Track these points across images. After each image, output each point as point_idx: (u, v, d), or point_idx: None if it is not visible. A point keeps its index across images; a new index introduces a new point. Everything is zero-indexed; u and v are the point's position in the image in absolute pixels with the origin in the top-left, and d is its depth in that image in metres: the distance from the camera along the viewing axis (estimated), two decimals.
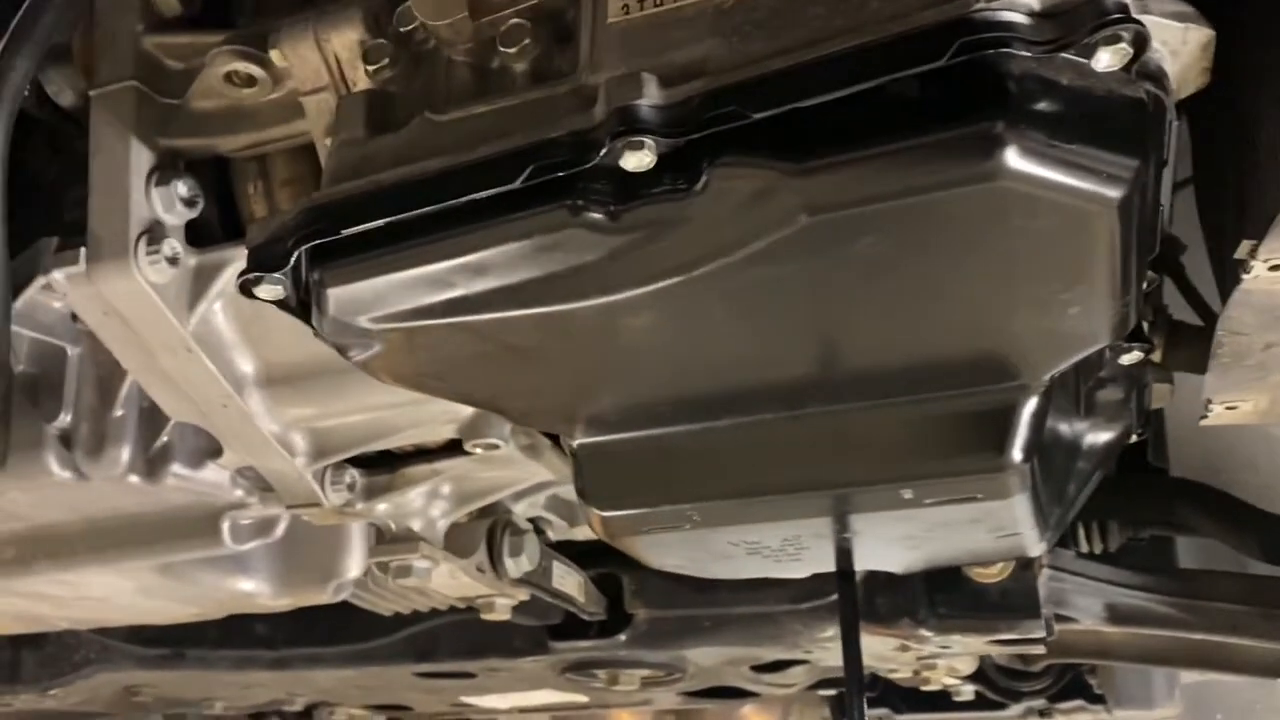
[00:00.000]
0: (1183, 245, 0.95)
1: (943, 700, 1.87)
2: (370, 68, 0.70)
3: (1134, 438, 0.99)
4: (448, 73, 0.69)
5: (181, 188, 0.82)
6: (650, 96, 0.58)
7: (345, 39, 0.73)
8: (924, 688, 1.72)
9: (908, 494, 0.80)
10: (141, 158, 0.81)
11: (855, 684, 1.03)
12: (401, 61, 0.71)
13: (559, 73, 0.65)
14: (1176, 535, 1.39)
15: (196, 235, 0.85)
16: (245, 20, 0.85)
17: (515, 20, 0.66)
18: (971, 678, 1.75)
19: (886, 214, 0.57)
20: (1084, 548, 1.41)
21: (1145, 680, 1.61)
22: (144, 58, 0.82)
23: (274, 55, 0.75)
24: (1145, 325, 0.89)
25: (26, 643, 1.59)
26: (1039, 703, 1.83)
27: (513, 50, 0.65)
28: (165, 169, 0.82)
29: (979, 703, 1.85)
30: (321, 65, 0.74)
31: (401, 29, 0.71)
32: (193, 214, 0.83)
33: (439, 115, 0.65)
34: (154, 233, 0.81)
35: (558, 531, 1.40)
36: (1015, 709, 1.85)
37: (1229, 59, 0.64)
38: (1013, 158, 0.54)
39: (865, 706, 1.00)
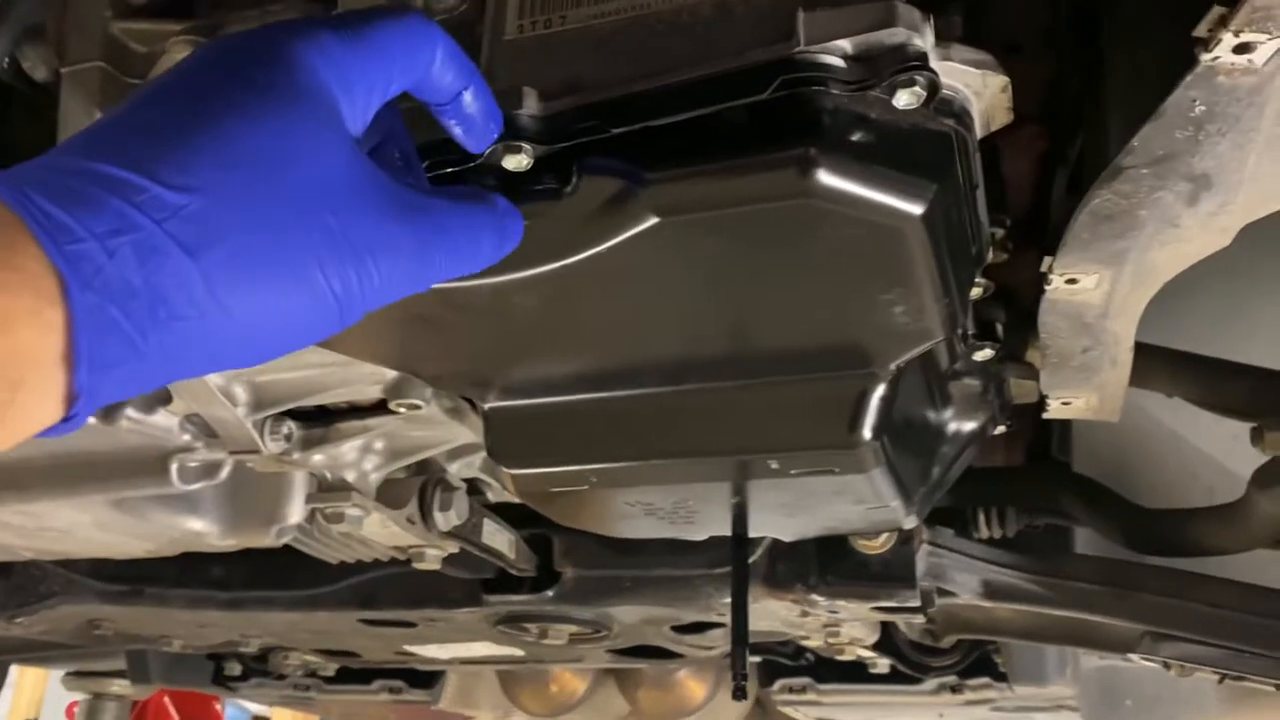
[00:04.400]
0: None
1: (861, 672, 1.98)
2: None
3: (1000, 429, 1.10)
4: None
5: None
6: (529, 108, 0.68)
7: None
8: (839, 657, 1.84)
9: (774, 464, 0.90)
10: None
11: (740, 640, 1.13)
12: None
13: None
14: (1065, 523, 1.49)
15: None
16: (204, 11, 0.94)
17: None
18: (885, 651, 1.86)
19: (723, 220, 0.68)
20: (984, 532, 1.52)
21: (1039, 659, 1.73)
22: (111, 41, 0.92)
23: None
24: (999, 326, 0.99)
25: None
26: (950, 678, 1.94)
27: None
28: None
29: (894, 676, 1.96)
30: None
31: None
32: None
33: None
34: None
35: (496, 493, 1.50)
36: (929, 684, 1.97)
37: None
38: (822, 177, 0.64)
39: (747, 658, 1.10)
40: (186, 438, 1.10)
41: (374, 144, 0.63)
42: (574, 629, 1.66)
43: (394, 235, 0.54)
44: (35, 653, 2.16)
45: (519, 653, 1.87)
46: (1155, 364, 1.16)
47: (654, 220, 0.68)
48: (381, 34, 0.57)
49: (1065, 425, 1.60)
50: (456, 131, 0.65)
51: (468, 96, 0.63)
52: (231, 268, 0.48)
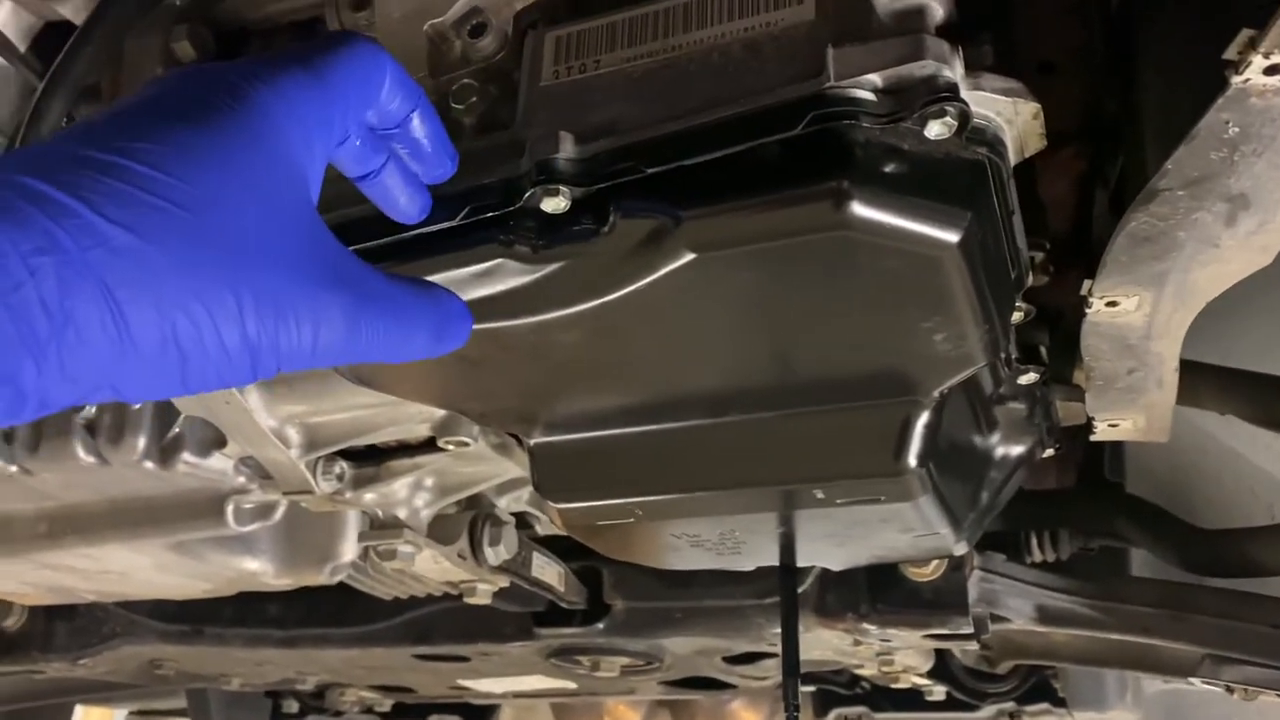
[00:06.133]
0: None
1: (917, 700, 1.96)
2: None
3: (1049, 451, 1.09)
4: None
5: None
6: (566, 151, 0.69)
7: None
8: (894, 685, 1.82)
9: (820, 494, 0.90)
10: None
11: (791, 671, 1.13)
12: None
13: (502, 124, 0.76)
14: (1119, 545, 1.47)
15: None
16: None
17: (466, 80, 0.77)
18: (941, 678, 1.84)
19: (759, 253, 0.68)
20: (1037, 556, 1.51)
21: (1099, 684, 1.70)
22: None
23: None
24: (1043, 349, 0.99)
25: (59, 615, 1.74)
26: (1008, 705, 1.92)
27: (462, 106, 0.77)
28: None
29: (951, 704, 1.94)
30: None
31: None
32: None
33: None
34: None
35: (544, 527, 1.51)
36: (987, 710, 1.94)
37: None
38: (856, 209, 0.64)
39: (799, 689, 1.10)
40: (241, 480, 1.13)
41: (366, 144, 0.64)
42: (626, 661, 1.66)
43: (322, 303, 0.54)
44: (99, 693, 2.20)
45: (572, 685, 1.88)
46: (1205, 382, 1.14)
47: (690, 256, 0.69)
48: (338, 71, 0.58)
49: (1118, 445, 1.58)
50: (407, 160, 0.66)
51: (415, 120, 0.64)
52: (148, 306, 0.48)
